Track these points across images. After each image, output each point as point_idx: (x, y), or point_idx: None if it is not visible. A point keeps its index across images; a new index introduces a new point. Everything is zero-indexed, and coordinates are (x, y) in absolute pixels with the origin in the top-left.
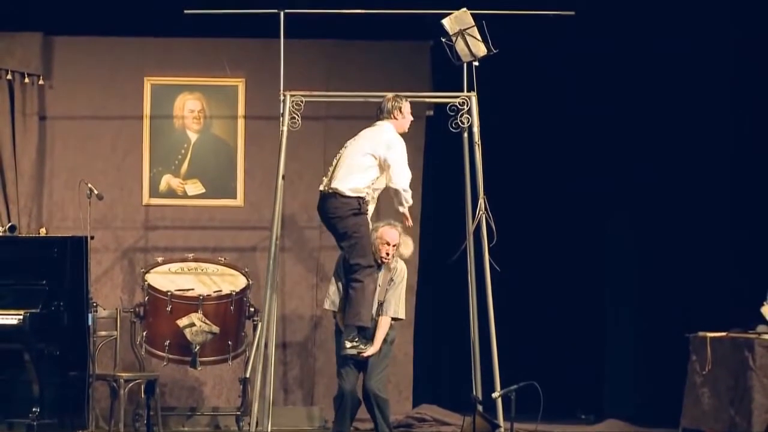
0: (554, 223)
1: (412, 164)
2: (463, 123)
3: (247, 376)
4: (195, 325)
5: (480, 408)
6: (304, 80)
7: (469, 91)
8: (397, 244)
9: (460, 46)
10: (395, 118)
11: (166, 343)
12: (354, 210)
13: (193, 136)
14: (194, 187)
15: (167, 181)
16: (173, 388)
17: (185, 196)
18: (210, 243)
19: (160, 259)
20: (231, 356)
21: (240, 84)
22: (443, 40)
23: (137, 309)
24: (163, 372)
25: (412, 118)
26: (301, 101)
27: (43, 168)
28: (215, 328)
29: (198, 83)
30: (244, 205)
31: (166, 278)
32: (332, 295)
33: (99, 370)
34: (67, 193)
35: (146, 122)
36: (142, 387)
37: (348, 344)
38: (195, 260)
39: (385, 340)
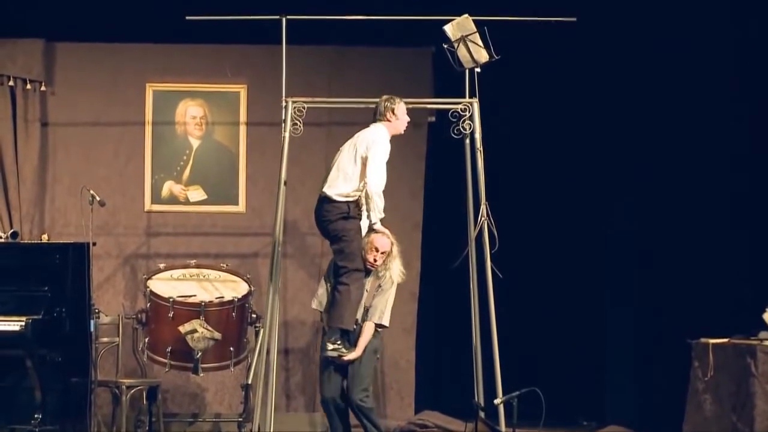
0: (556, 229)
1: (413, 171)
2: (465, 129)
3: (249, 382)
4: (197, 331)
5: (482, 414)
6: (306, 86)
7: (471, 97)
8: (387, 252)
9: (462, 52)
10: (389, 119)
11: (168, 349)
12: (343, 214)
13: (195, 143)
14: (196, 194)
15: (169, 187)
16: (175, 394)
17: (187, 202)
18: (212, 249)
19: (162, 266)
20: (233, 362)
21: (242, 90)
22: (445, 46)
23: (139, 315)
24: (165, 378)
25: (408, 119)
26: (303, 107)
27: (45, 174)
28: (217, 335)
29: (200, 89)
30: (246, 212)
31: (168, 284)
32: (320, 295)
33: (101, 377)
34: (69, 199)
35: (148, 128)
36: (144, 393)
37: (330, 346)
38: (197, 266)
39: (369, 349)
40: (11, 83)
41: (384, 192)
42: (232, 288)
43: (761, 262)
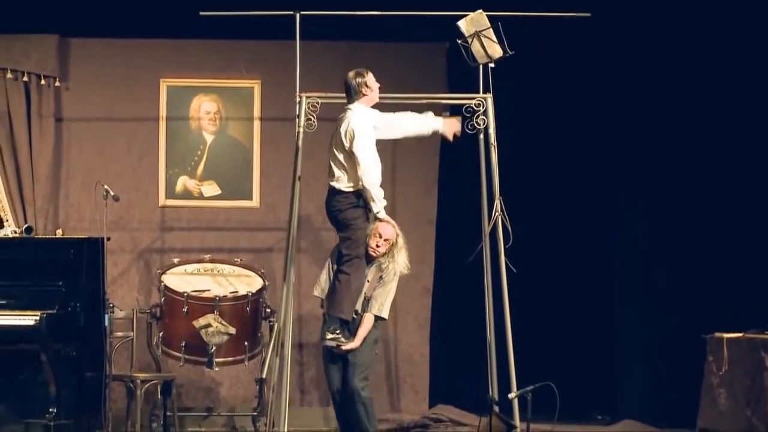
0: (568, 224)
1: (427, 166)
2: (479, 124)
3: (264, 376)
4: (211, 326)
5: (496, 408)
6: (319, 82)
7: (484, 92)
8: (390, 240)
9: (475, 47)
10: (365, 94)
11: (183, 343)
12: (353, 203)
13: (209, 138)
14: (210, 189)
15: (183, 182)
16: (189, 388)
17: (201, 197)
18: (226, 244)
19: (176, 260)
20: (247, 357)
21: (256, 86)
22: (459, 41)
23: (153, 310)
24: (179, 373)
25: (378, 85)
26: (317, 103)
27: (60, 169)
28: (231, 329)
29: (214, 85)
30: (260, 206)
31: (183, 279)
32: (322, 282)
33: (115, 371)
34: (84, 194)
35: (162, 124)
36: (159, 388)
37: (329, 335)
38: (211, 261)
39: (369, 339)
40: (25, 79)
41: (399, 187)
42: (247, 283)
43: None
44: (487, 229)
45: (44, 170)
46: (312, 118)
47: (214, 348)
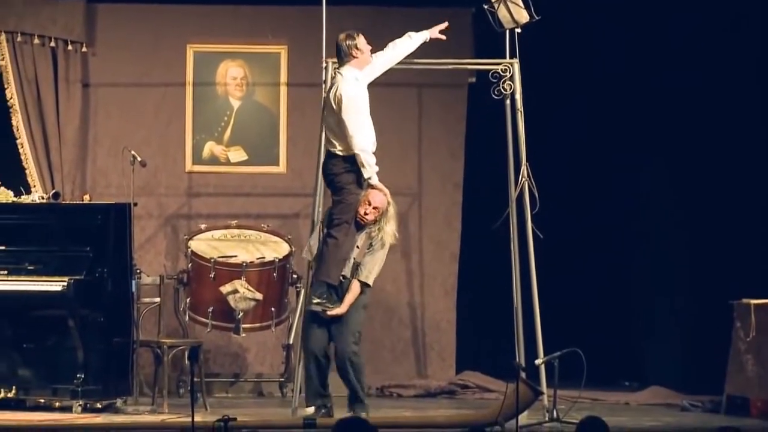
0: (597, 189)
1: (454, 131)
2: (505, 90)
3: (291, 342)
4: (238, 291)
5: (523, 375)
6: None
7: (511, 58)
8: (379, 208)
9: (502, 12)
10: (355, 56)
11: (210, 309)
12: (347, 168)
13: (235, 104)
14: (237, 154)
15: (210, 148)
16: (216, 354)
17: (228, 163)
18: (253, 210)
19: (203, 226)
20: (274, 323)
21: (282, 51)
22: (485, 6)
23: (180, 276)
24: (206, 338)
25: (370, 48)
26: None
27: (87, 135)
28: (258, 295)
29: (240, 50)
30: (286, 172)
31: (210, 245)
32: (312, 246)
33: (143, 337)
34: (111, 160)
35: (189, 89)
36: (186, 353)
37: (315, 299)
38: (238, 227)
39: (357, 305)
40: (52, 44)
41: (425, 152)
42: (273, 249)
43: None
44: (513, 195)
45: (71, 136)
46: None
47: (241, 314)
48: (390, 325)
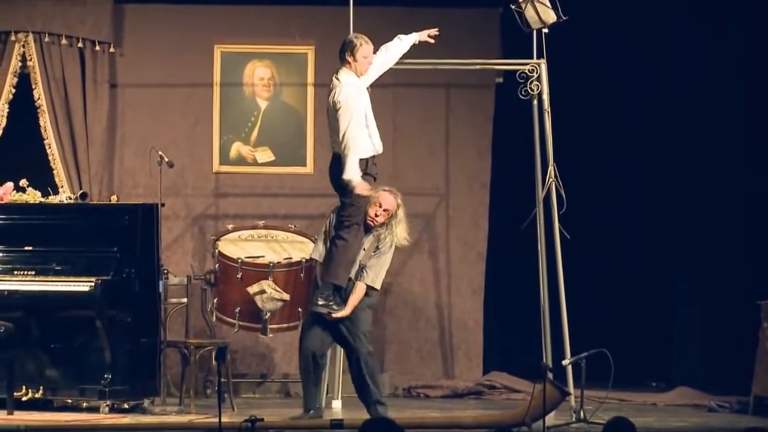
0: (623, 189)
1: (481, 131)
2: (532, 90)
3: None
4: (265, 292)
5: (550, 375)
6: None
7: (538, 58)
8: (389, 211)
9: (529, 13)
10: (348, 61)
11: (237, 310)
12: (362, 169)
13: (262, 104)
14: (264, 155)
15: (237, 148)
16: (244, 355)
17: (255, 163)
18: (280, 210)
19: (230, 227)
20: (301, 323)
21: (309, 51)
22: (512, 7)
23: (208, 276)
24: (233, 339)
25: (370, 58)
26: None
27: (114, 135)
28: (285, 296)
29: (268, 51)
30: (313, 173)
31: (237, 245)
32: (320, 246)
33: (170, 337)
34: (138, 160)
35: (216, 90)
36: (213, 354)
37: (320, 301)
38: (265, 227)
39: (362, 306)
40: (80, 45)
41: (452, 152)
42: (300, 249)
43: None
44: (540, 195)
45: (99, 136)
46: None
47: (268, 314)
48: (417, 326)
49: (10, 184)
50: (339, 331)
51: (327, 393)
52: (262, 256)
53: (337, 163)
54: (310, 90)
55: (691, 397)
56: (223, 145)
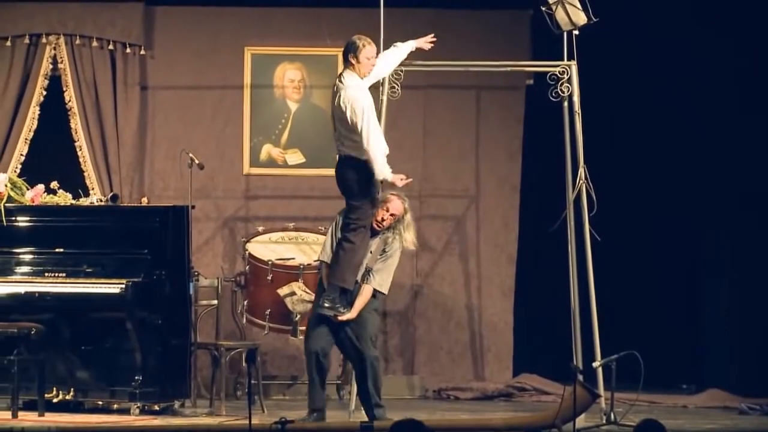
0: (654, 192)
1: (511, 133)
2: (563, 92)
3: None
4: (295, 294)
5: (580, 377)
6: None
7: (569, 59)
8: (396, 215)
9: (560, 14)
10: (352, 63)
11: (267, 312)
12: (365, 172)
13: (293, 106)
14: (294, 157)
15: (267, 150)
16: (274, 357)
17: (285, 165)
18: (310, 212)
19: (260, 229)
20: None
21: (340, 53)
22: (543, 8)
23: (238, 278)
24: (264, 341)
25: (373, 59)
26: (401, 71)
27: (145, 138)
28: None
29: (298, 53)
30: None
31: (267, 247)
32: (328, 248)
33: (200, 339)
34: (168, 162)
35: (246, 92)
36: (244, 356)
37: (327, 303)
38: (295, 230)
39: (368, 309)
40: (111, 47)
41: (483, 154)
42: None
43: None
44: (571, 197)
45: (129, 138)
46: (396, 86)
47: (298, 316)
48: (447, 328)
49: (41, 187)
50: (345, 333)
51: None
52: (293, 258)
53: (342, 166)
54: None
55: (722, 400)
56: (253, 147)
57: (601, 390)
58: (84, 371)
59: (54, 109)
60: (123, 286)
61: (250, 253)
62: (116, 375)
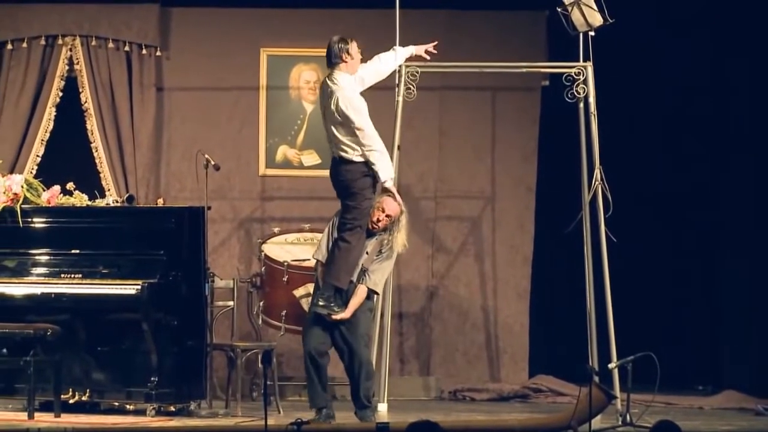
0: (670, 192)
1: (527, 134)
2: (578, 93)
3: None
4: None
5: (596, 378)
6: None
7: (584, 61)
8: (392, 216)
9: (575, 15)
10: (345, 60)
11: (283, 313)
12: (364, 172)
13: (308, 107)
14: (310, 158)
15: (283, 151)
16: (290, 358)
17: (301, 166)
18: (326, 213)
19: (276, 230)
20: None
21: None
22: (559, 9)
23: (254, 279)
24: (279, 342)
25: (360, 57)
26: (417, 72)
27: (161, 139)
28: None
29: (314, 54)
30: None
31: (283, 248)
32: (323, 248)
33: (216, 340)
34: (184, 163)
35: (262, 93)
36: (259, 357)
37: (321, 302)
38: (311, 231)
39: (363, 309)
40: (127, 48)
41: (498, 155)
42: None
43: None
44: (587, 198)
45: (145, 140)
46: (412, 87)
47: None
48: (463, 329)
49: (57, 188)
50: (338, 333)
51: (373, 396)
52: (308, 259)
53: (338, 167)
54: None
55: (738, 401)
56: (269, 148)
57: (616, 391)
58: (100, 372)
59: (70, 110)
60: (139, 287)
61: (265, 254)
62: (132, 376)
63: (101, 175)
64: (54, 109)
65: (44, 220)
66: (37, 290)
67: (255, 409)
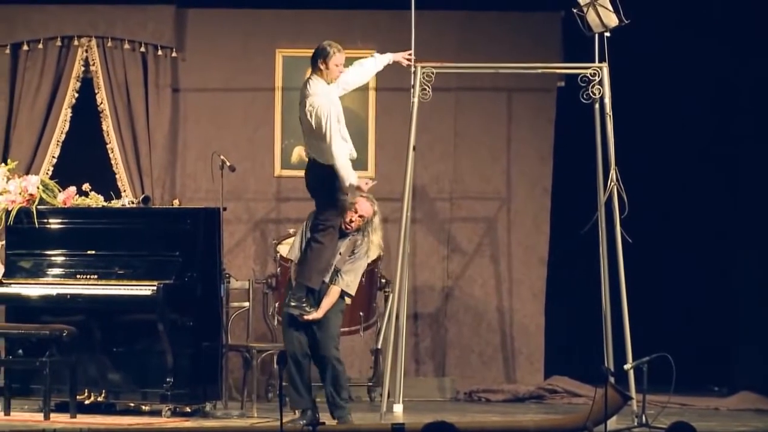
0: (686, 193)
1: (542, 135)
2: (594, 94)
3: (379, 347)
4: None
5: (611, 379)
6: (434, 52)
7: (600, 62)
8: (365, 217)
9: (591, 16)
10: (320, 69)
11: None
12: (333, 174)
13: None
14: None
15: (299, 152)
16: None
17: None
18: None
19: (291, 231)
20: (362, 327)
21: (371, 56)
22: (574, 10)
23: (269, 280)
24: None
25: (341, 69)
26: (432, 73)
27: (176, 140)
28: (346, 300)
29: None
30: (375, 177)
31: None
32: (296, 247)
33: (232, 341)
34: (200, 164)
35: (278, 94)
36: (275, 358)
37: (293, 302)
38: None
39: (335, 310)
40: (143, 49)
41: (514, 156)
42: None
43: None
44: (602, 199)
45: (161, 141)
46: (427, 88)
47: None
48: (478, 330)
49: (72, 189)
50: (310, 333)
51: (388, 397)
52: None
53: (311, 169)
54: (372, 94)
55: (754, 402)
56: (284, 149)
57: (632, 392)
58: (115, 373)
59: (86, 111)
60: (154, 288)
61: (281, 255)
62: (148, 377)
63: (117, 176)
64: (70, 110)
65: (60, 221)
66: (53, 291)
67: (270, 410)
